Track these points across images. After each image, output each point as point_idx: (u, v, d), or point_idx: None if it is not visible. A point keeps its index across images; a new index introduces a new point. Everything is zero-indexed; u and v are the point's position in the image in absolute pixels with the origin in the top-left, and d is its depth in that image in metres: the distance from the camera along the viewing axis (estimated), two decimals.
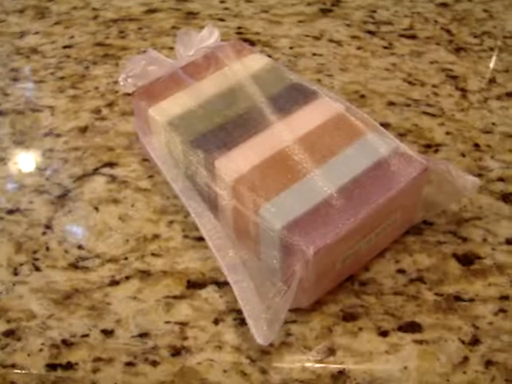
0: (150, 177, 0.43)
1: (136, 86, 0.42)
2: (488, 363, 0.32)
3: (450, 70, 0.52)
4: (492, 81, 0.51)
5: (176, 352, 0.33)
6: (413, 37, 0.56)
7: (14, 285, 0.37)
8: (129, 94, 0.46)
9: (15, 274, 0.37)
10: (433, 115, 0.47)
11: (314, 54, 0.54)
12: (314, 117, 0.38)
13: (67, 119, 0.48)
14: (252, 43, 0.56)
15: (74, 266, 0.37)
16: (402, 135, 0.45)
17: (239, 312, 0.34)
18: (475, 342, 0.33)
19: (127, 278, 0.37)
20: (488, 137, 0.45)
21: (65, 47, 0.56)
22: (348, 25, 0.58)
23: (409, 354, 0.32)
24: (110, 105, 0.49)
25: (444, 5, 0.61)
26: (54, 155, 0.45)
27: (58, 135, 0.47)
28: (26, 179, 0.43)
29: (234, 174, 0.35)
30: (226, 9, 0.61)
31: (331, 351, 0.33)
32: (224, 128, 0.38)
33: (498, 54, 0.54)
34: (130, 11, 0.61)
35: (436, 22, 0.58)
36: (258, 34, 0.57)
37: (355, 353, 0.33)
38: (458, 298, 0.35)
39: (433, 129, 0.46)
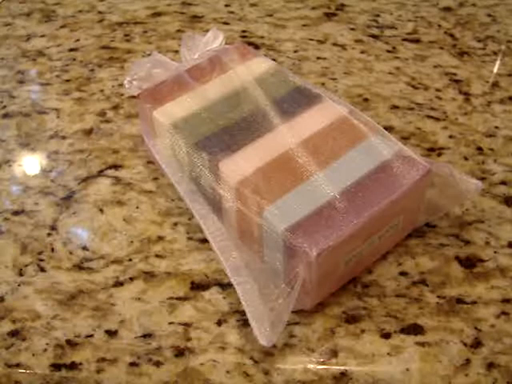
0: (155, 179, 0.43)
1: (141, 89, 0.42)
2: (490, 366, 0.32)
3: (454, 74, 0.52)
4: (495, 85, 0.51)
5: (179, 353, 0.33)
6: (416, 41, 0.57)
7: (19, 285, 0.37)
8: (134, 97, 0.47)
9: (20, 274, 0.37)
10: (436, 119, 0.47)
11: (318, 58, 0.54)
12: (317, 120, 0.38)
13: (72, 121, 0.49)
14: (256, 47, 0.56)
15: (78, 267, 0.38)
16: (405, 138, 0.45)
17: (242, 313, 0.34)
18: (477, 344, 0.33)
19: (131, 279, 0.37)
20: (491, 140, 0.45)
21: (70, 50, 0.57)
22: (352, 29, 0.58)
23: (411, 356, 0.33)
24: (115, 107, 0.50)
25: (448, 9, 0.61)
26: (60, 157, 0.45)
27: (64, 137, 0.47)
28: (32, 181, 0.44)
29: (238, 177, 0.35)
30: (231, 12, 0.61)
31: (334, 353, 0.33)
32: (228, 130, 0.38)
33: (502, 58, 0.54)
34: (136, 15, 0.62)
35: (440, 26, 0.59)
36: (262, 37, 0.57)
37: (357, 354, 0.33)
38: (460, 301, 0.35)
39: (436, 132, 0.46)
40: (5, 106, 0.50)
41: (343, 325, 0.34)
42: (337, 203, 0.33)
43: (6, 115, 0.50)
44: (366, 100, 0.49)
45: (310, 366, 0.32)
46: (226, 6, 0.63)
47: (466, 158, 0.44)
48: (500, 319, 0.34)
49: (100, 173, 0.44)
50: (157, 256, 0.38)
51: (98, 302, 0.36)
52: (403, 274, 0.37)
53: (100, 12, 0.62)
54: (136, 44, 0.57)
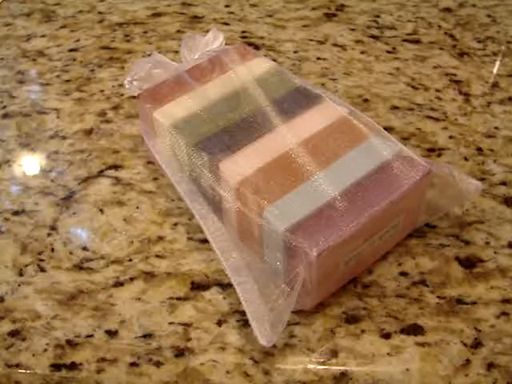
0: (155, 179, 0.43)
1: (141, 89, 0.42)
2: (490, 366, 0.32)
3: (454, 75, 0.52)
4: (495, 85, 0.51)
5: (179, 353, 0.33)
6: (416, 41, 0.57)
7: (19, 285, 0.37)
8: (134, 97, 0.47)
9: (20, 274, 0.37)
10: (436, 119, 0.47)
11: (318, 58, 0.55)
12: (317, 120, 0.38)
13: (73, 122, 0.49)
14: (256, 47, 0.56)
15: (78, 267, 0.38)
16: (405, 139, 0.45)
17: (242, 313, 0.34)
18: (477, 344, 0.33)
19: (131, 279, 0.37)
20: (491, 141, 0.45)
21: (71, 50, 0.57)
22: (352, 29, 0.58)
23: (411, 357, 0.33)
24: (116, 108, 0.50)
25: (448, 10, 0.61)
26: (60, 157, 0.45)
27: (64, 137, 0.47)
28: (32, 181, 0.44)
29: (238, 177, 0.35)
30: (231, 13, 0.61)
31: (334, 353, 0.33)
32: (228, 131, 0.38)
33: (502, 59, 0.54)
34: (136, 15, 0.62)
35: (440, 26, 0.59)
36: (262, 38, 0.57)
37: (358, 355, 0.33)
38: (460, 301, 0.35)
39: (436, 133, 0.46)
40: (5, 106, 0.50)
41: (343, 325, 0.34)
42: (337, 203, 0.33)
43: (6, 115, 0.50)
44: (366, 100, 0.49)
45: (310, 366, 0.32)
46: (226, 6, 0.63)
47: (465, 159, 0.44)
48: (500, 319, 0.34)
49: (100, 173, 0.44)
50: (157, 256, 0.38)
51: (98, 302, 0.36)
52: (403, 274, 0.37)
53: (100, 12, 0.62)
54: (136, 44, 0.57)
